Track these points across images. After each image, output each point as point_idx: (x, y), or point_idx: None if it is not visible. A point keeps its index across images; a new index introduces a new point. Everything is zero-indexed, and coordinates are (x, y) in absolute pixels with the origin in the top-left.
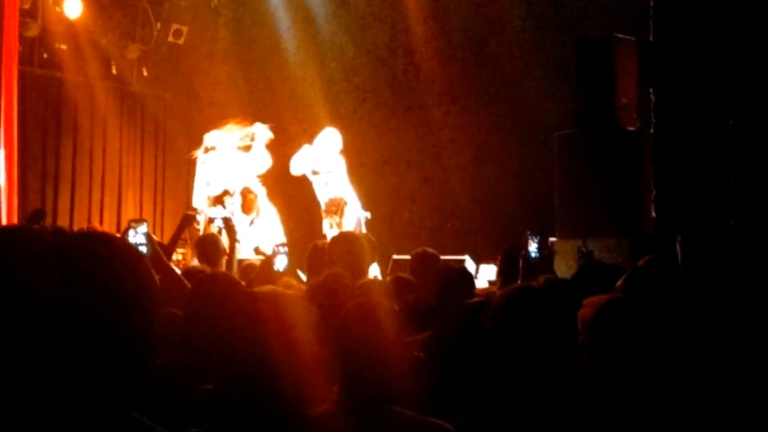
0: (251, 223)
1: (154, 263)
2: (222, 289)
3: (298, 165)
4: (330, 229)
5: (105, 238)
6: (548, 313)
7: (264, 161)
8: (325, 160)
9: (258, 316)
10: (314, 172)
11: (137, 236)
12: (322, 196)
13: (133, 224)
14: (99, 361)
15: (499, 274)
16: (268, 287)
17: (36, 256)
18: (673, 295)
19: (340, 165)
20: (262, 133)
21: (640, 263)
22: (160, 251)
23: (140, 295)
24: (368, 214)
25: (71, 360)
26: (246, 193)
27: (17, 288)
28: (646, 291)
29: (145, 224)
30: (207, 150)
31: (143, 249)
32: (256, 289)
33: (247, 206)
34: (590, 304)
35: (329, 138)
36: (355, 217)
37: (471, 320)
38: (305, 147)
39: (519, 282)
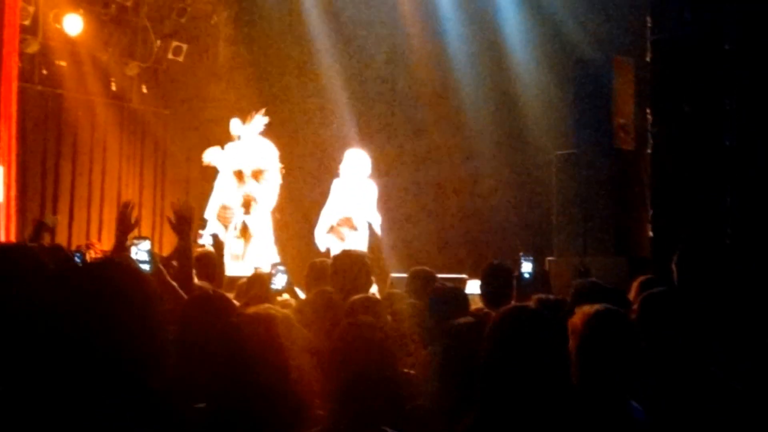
0: (245, 223)
1: (157, 280)
2: (214, 310)
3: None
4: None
5: (111, 265)
6: (543, 333)
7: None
8: (354, 181)
9: (250, 339)
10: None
11: (140, 254)
12: (338, 212)
13: (135, 242)
14: (103, 377)
15: (482, 295)
16: (264, 307)
17: (32, 275)
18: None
19: (372, 189)
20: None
21: (636, 283)
22: (163, 268)
23: (145, 316)
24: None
25: (72, 376)
26: (249, 199)
27: (12, 306)
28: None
29: (148, 242)
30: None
31: (146, 266)
32: (251, 309)
33: (246, 207)
34: (580, 313)
35: (358, 159)
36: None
37: (464, 340)
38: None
39: (512, 303)
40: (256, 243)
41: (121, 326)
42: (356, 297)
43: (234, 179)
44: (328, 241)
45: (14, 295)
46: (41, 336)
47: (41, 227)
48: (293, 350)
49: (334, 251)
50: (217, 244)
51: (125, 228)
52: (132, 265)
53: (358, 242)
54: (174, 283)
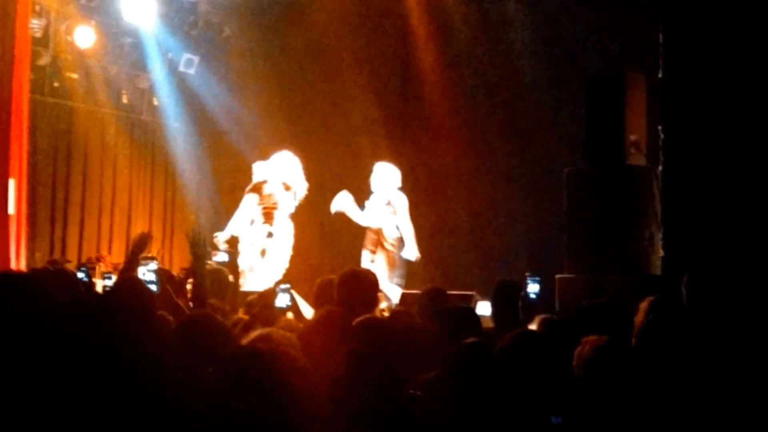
0: (269, 235)
1: (163, 300)
2: (206, 334)
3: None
4: (370, 263)
5: (112, 299)
6: (548, 357)
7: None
8: (384, 194)
9: (244, 372)
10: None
11: (147, 274)
12: (370, 224)
13: (142, 262)
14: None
15: (492, 315)
16: (265, 332)
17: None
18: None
19: (402, 201)
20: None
21: (644, 304)
22: (169, 288)
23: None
24: (417, 256)
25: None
26: (271, 208)
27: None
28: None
29: (155, 263)
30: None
31: (153, 287)
32: (252, 336)
33: (268, 217)
34: (588, 343)
35: (388, 173)
36: (401, 255)
37: (470, 363)
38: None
39: (517, 322)
40: (273, 256)
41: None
42: (362, 319)
43: (256, 195)
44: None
45: (15, 326)
46: (42, 363)
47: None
48: (289, 385)
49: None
50: (232, 261)
51: (138, 251)
52: (136, 292)
53: (392, 256)
54: (180, 303)
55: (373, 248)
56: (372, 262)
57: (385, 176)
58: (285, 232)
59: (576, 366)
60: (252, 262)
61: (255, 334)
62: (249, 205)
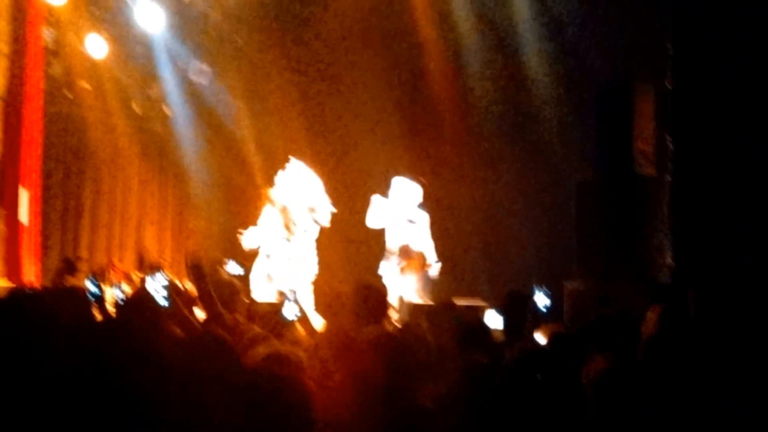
0: (288, 238)
1: (173, 314)
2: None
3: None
4: (394, 276)
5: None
6: (556, 376)
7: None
8: (404, 210)
9: (253, 397)
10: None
11: (157, 288)
12: (394, 243)
13: (152, 276)
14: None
15: (504, 325)
16: (273, 351)
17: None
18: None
19: (425, 219)
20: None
21: (653, 314)
22: (179, 301)
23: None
24: (436, 269)
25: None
26: (291, 227)
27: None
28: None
29: (165, 277)
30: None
31: (163, 301)
32: (258, 351)
33: (287, 224)
34: (596, 360)
35: (409, 189)
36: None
37: (478, 378)
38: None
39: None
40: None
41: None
42: (373, 334)
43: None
44: (388, 273)
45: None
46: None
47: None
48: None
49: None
50: (246, 273)
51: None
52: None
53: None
54: (192, 318)
55: (396, 264)
56: (397, 276)
57: (406, 192)
58: (308, 255)
59: (585, 384)
60: (271, 273)
61: (262, 351)
62: (271, 219)
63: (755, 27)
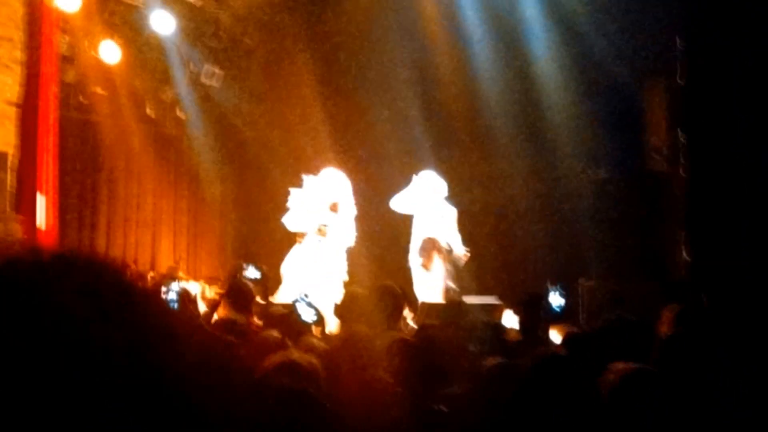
0: (320, 261)
1: (185, 319)
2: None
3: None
4: (425, 273)
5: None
6: (573, 382)
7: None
8: (429, 202)
9: (265, 412)
10: (419, 212)
11: (171, 294)
12: (422, 235)
13: (165, 283)
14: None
15: (520, 325)
16: (286, 359)
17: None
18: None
19: (452, 212)
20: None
21: (669, 313)
22: (191, 309)
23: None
24: (467, 253)
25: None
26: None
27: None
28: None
29: (178, 283)
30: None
31: (176, 305)
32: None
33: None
34: (615, 371)
35: (436, 182)
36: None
37: (493, 383)
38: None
39: (540, 332)
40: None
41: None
42: (390, 340)
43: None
44: (416, 265)
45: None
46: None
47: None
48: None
49: (423, 281)
50: (264, 277)
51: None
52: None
53: (444, 266)
54: (203, 323)
55: (427, 259)
56: (427, 271)
57: (434, 186)
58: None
59: (602, 388)
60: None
61: (276, 359)
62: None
63: (765, 23)
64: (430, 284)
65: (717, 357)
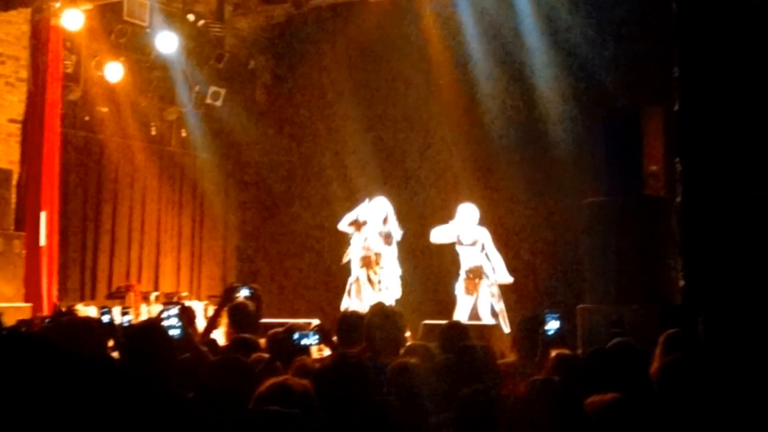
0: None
1: (185, 344)
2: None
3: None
4: (466, 295)
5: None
6: (563, 406)
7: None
8: (467, 232)
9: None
10: (459, 242)
11: (170, 319)
12: (465, 263)
13: (165, 308)
14: None
15: (514, 348)
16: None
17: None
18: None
19: (485, 235)
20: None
21: (662, 337)
22: (191, 333)
23: None
24: (511, 279)
25: None
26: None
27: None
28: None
29: (177, 308)
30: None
31: (175, 331)
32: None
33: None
34: (595, 401)
35: (468, 212)
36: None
37: (471, 410)
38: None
39: (537, 358)
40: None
41: None
42: (394, 367)
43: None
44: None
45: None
46: None
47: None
48: None
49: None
50: (255, 295)
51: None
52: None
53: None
54: (203, 348)
55: (472, 286)
56: (472, 296)
57: (467, 215)
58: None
59: (589, 412)
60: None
61: (269, 384)
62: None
63: (762, 50)
64: (473, 308)
65: (709, 382)
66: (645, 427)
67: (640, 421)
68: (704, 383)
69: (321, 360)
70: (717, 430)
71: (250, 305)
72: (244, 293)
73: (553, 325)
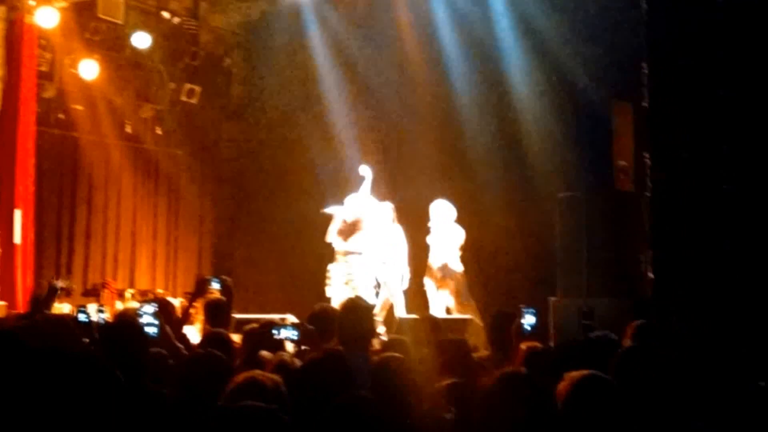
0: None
1: (162, 342)
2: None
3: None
4: (435, 291)
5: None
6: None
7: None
8: (440, 230)
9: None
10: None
11: (146, 317)
12: (434, 261)
13: (142, 307)
14: None
15: (489, 343)
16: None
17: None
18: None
19: (459, 233)
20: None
21: (630, 328)
22: (168, 331)
23: None
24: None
25: None
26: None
27: None
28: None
29: (154, 306)
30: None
31: (152, 330)
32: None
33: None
34: (569, 378)
35: (442, 208)
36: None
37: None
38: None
39: (510, 350)
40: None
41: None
42: (384, 359)
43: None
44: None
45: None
46: None
47: (53, 292)
48: None
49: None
50: (226, 288)
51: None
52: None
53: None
54: (180, 345)
55: (439, 280)
56: (438, 290)
57: (443, 212)
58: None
59: (557, 402)
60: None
61: (239, 379)
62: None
63: (730, 46)
64: (442, 304)
65: (673, 370)
66: (612, 404)
67: (609, 398)
68: (658, 372)
69: (299, 354)
70: (671, 417)
71: (224, 300)
72: (214, 285)
73: (529, 320)
